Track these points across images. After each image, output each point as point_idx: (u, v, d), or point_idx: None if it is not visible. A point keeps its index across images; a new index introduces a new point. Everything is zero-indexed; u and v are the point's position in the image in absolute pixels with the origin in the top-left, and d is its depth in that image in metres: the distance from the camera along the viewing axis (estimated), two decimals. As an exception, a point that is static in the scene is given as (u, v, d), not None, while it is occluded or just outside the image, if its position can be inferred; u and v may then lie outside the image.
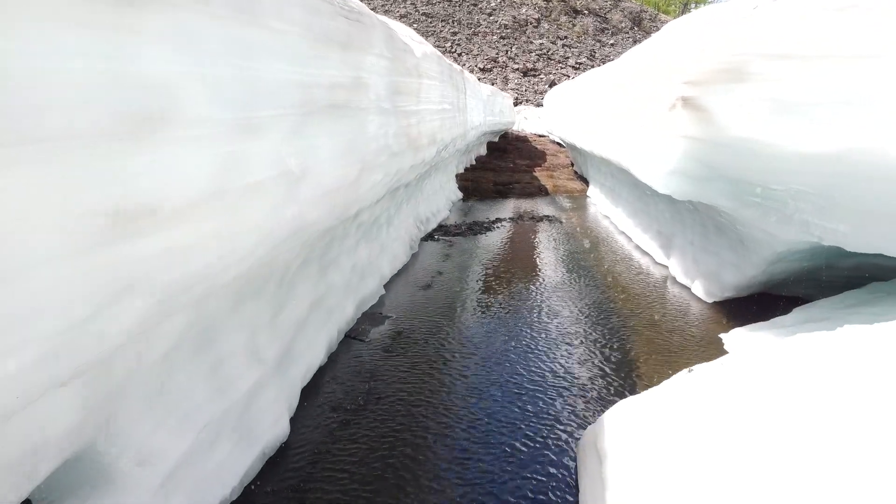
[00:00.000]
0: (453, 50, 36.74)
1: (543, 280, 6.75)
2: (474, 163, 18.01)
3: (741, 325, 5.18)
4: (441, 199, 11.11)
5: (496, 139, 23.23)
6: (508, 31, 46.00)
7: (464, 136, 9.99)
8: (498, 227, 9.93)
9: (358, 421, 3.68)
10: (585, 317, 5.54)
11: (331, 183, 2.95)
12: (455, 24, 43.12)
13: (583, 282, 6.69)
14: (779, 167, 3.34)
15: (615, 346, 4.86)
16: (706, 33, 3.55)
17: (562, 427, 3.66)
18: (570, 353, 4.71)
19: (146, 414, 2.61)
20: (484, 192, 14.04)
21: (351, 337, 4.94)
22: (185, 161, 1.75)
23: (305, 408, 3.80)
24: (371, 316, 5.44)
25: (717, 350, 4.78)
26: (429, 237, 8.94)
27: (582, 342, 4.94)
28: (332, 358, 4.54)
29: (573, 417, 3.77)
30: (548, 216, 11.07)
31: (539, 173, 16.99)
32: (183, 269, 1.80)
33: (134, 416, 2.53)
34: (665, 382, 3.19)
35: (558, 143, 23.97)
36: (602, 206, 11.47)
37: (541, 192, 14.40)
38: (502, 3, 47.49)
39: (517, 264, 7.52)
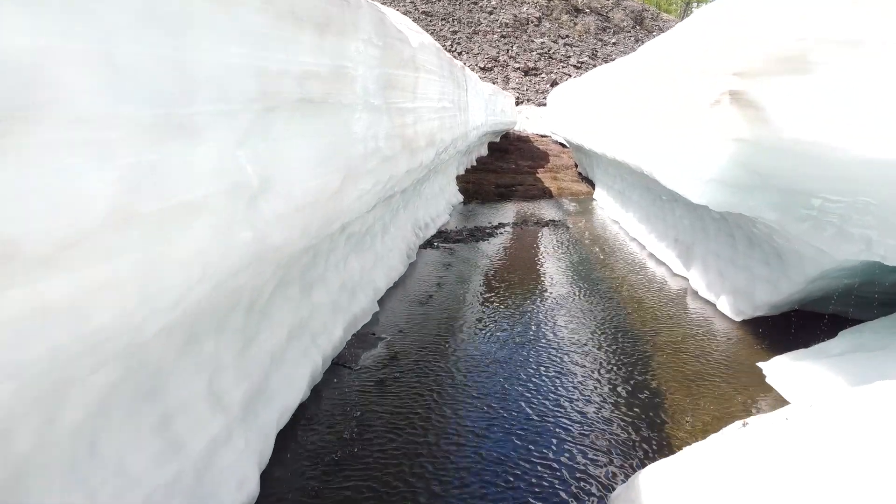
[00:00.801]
0: (454, 49, 36.20)
1: (551, 294, 6.18)
2: (475, 164, 17.45)
3: (779, 349, 4.62)
4: (441, 203, 10.55)
5: (497, 139, 22.68)
6: (509, 29, 45.43)
7: (465, 137, 9.43)
8: (501, 233, 9.36)
9: (342, 473, 3.11)
10: (600, 339, 4.97)
11: (305, 195, 2.39)
12: (455, 22, 42.55)
13: (595, 296, 6.12)
14: (843, 175, 2.78)
15: (637, 378, 4.29)
16: (758, 13, 2.99)
17: (581, 486, 3.08)
18: (586, 387, 4.14)
19: (68, 489, 2.05)
20: (486, 194, 13.48)
21: (339, 364, 4.38)
22: (62, 177, 1.19)
23: (281, 457, 3.23)
24: (362, 338, 4.87)
25: (756, 382, 4.22)
26: (428, 244, 8.37)
27: (599, 372, 4.37)
28: (316, 391, 3.97)
29: (595, 474, 3.20)
30: (553, 221, 10.50)
31: (542, 175, 16.43)
32: (64, 334, 1.24)
33: (50, 495, 1.97)
34: (713, 438, 2.62)
35: (561, 144, 23.41)
36: (610, 210, 10.90)
37: (544, 194, 13.84)
38: (503, 2, 46.92)
39: (522, 275, 6.95)
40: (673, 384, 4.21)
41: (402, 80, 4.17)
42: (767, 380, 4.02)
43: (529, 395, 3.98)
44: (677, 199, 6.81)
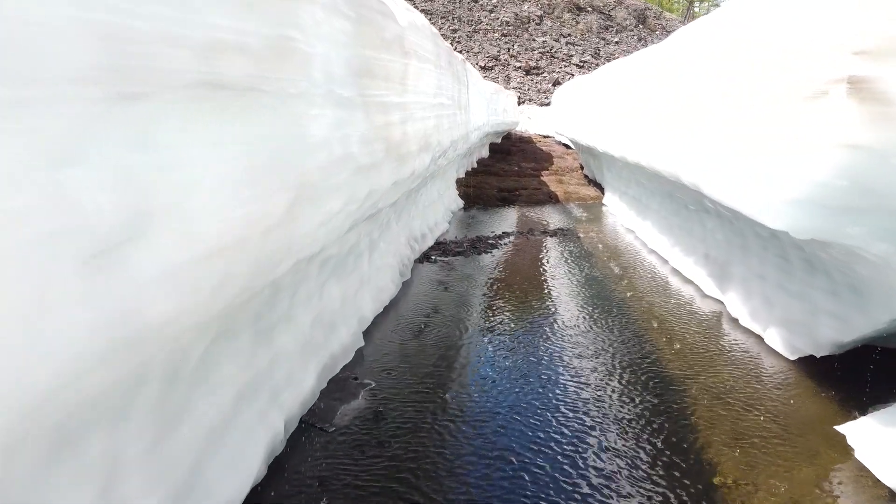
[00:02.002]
0: (454, 47, 35.35)
1: (564, 323, 5.31)
2: (476, 166, 16.58)
3: (854, 401, 3.75)
4: (439, 211, 9.68)
5: (499, 140, 21.81)
6: (510, 28, 44.57)
7: (466, 139, 8.57)
8: (504, 244, 8.49)
9: None
10: (627, 385, 4.10)
11: (221, 234, 1.54)
12: (455, 20, 41.67)
13: (616, 325, 5.25)
14: None
15: (676, 440, 3.42)
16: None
17: None
18: (614, 452, 3.27)
19: None
20: (487, 199, 12.62)
21: (309, 423, 3.51)
22: None
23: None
24: (341, 384, 4.00)
25: (830, 446, 3.35)
26: (425, 257, 7.51)
27: (628, 434, 3.50)
28: (277, 466, 3.10)
29: None
30: (561, 229, 9.63)
31: (547, 178, 15.56)
32: None
33: None
34: None
35: (565, 145, 22.56)
36: (623, 218, 10.03)
37: (550, 199, 12.97)
38: (504, 0, 46.01)
39: (529, 298, 6.08)
40: (722, 449, 3.34)
41: (386, 66, 3.30)
42: (857, 454, 3.15)
43: (539, 473, 3.11)
44: (707, 209, 5.95)
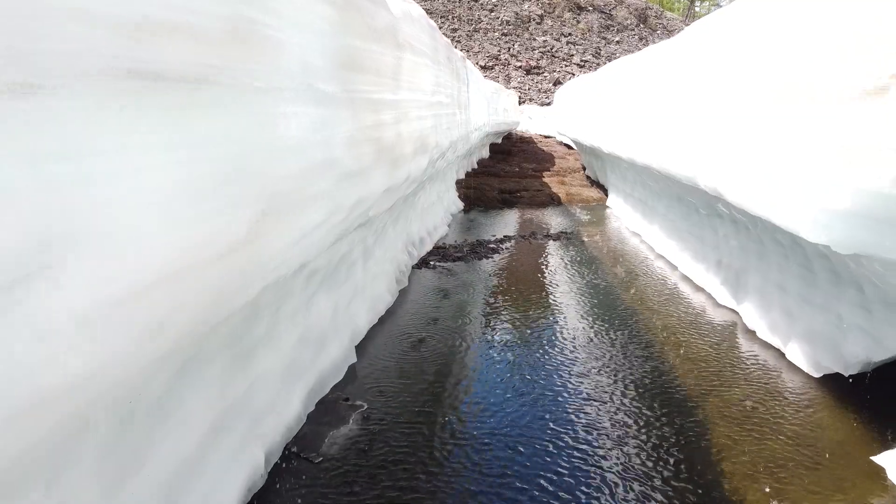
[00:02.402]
0: (454, 46, 35.05)
1: (570, 334, 5.00)
2: (476, 167, 16.29)
3: (890, 428, 3.44)
4: (439, 213, 9.38)
5: (499, 140, 21.52)
6: (510, 27, 44.28)
7: (466, 139, 8.27)
8: (505, 249, 8.18)
9: None
10: (636, 400, 3.79)
11: (166, 261, 1.24)
12: (455, 20, 41.36)
13: (624, 335, 4.94)
14: None
15: (692, 469, 3.11)
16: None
17: None
18: (626, 485, 2.96)
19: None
20: (488, 201, 12.31)
21: (294, 453, 3.20)
22: None
23: None
24: (331, 406, 3.69)
25: (863, 475, 3.04)
26: (423, 263, 7.20)
27: (640, 458, 3.19)
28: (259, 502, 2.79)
29: None
30: (564, 233, 9.32)
31: (549, 179, 15.26)
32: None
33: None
34: None
35: (566, 145, 22.27)
36: (628, 221, 9.72)
37: (552, 201, 12.66)
38: (504, -1, 45.63)
39: (532, 306, 5.77)
40: (743, 481, 3.03)
41: (377, 59, 2.98)
42: (891, 485, 2.84)
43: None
44: (720, 214, 5.65)
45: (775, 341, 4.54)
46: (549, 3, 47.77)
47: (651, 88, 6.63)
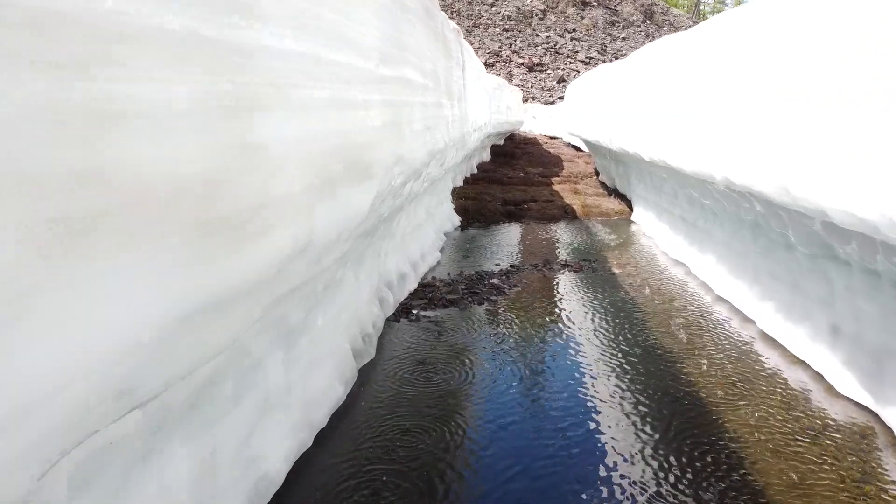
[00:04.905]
0: (452, 41, 33.19)
1: (622, 453, 3.07)
2: (475, 171, 14.37)
3: None
4: (429, 235, 7.44)
5: (501, 141, 19.59)
6: (512, 23, 42.42)
7: (461, 144, 6.34)
8: (513, 287, 6.24)
9: None
10: None
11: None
12: (455, 15, 39.43)
13: (707, 449, 3.01)
14: None
15: None
16: None
17: None
18: None
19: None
20: (489, 214, 10.39)
21: None
22: None
23: None
24: None
25: None
26: (403, 311, 5.28)
27: None
28: None
29: None
30: (587, 261, 7.37)
31: (559, 186, 13.33)
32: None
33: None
34: None
35: (575, 147, 20.37)
36: (664, 243, 7.79)
37: (566, 214, 10.73)
38: (505, -7, 43.74)
39: (557, 397, 3.83)
40: None
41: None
42: None
43: None
44: (836, 257, 3.73)
45: None
46: (552, -2, 45.85)
47: (713, 73, 4.69)
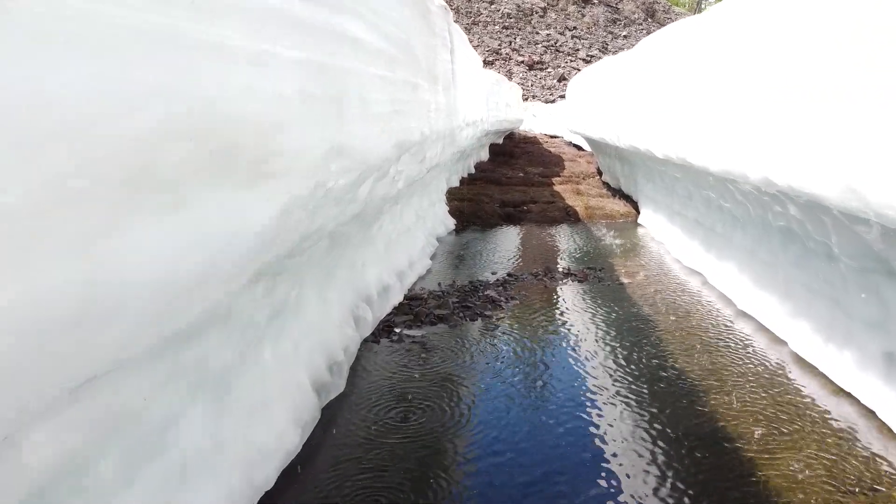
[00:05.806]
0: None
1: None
2: (473, 171, 13.73)
3: None
4: (418, 240, 6.80)
5: (500, 140, 18.95)
6: (512, 20, 41.75)
7: (450, 139, 5.69)
8: (510, 299, 5.59)
9: None
10: None
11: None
12: (453, 12, 38.83)
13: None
14: None
15: None
16: None
17: None
18: None
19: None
20: (486, 217, 9.75)
21: None
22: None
23: None
24: None
25: None
26: (384, 329, 4.64)
27: None
28: None
29: None
30: (592, 269, 6.72)
31: (560, 187, 12.69)
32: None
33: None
34: None
35: (576, 146, 19.74)
36: (676, 248, 7.14)
37: (568, 216, 10.08)
38: (505, -11, 43.08)
39: (566, 436, 3.19)
40: None
41: None
42: None
43: None
44: (891, 271, 3.09)
45: None
46: (552, -5, 45.20)
47: (746, 57, 4.05)
